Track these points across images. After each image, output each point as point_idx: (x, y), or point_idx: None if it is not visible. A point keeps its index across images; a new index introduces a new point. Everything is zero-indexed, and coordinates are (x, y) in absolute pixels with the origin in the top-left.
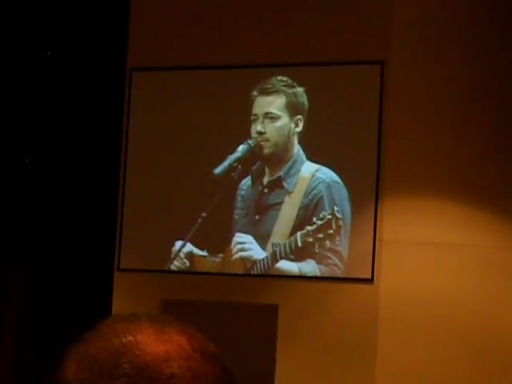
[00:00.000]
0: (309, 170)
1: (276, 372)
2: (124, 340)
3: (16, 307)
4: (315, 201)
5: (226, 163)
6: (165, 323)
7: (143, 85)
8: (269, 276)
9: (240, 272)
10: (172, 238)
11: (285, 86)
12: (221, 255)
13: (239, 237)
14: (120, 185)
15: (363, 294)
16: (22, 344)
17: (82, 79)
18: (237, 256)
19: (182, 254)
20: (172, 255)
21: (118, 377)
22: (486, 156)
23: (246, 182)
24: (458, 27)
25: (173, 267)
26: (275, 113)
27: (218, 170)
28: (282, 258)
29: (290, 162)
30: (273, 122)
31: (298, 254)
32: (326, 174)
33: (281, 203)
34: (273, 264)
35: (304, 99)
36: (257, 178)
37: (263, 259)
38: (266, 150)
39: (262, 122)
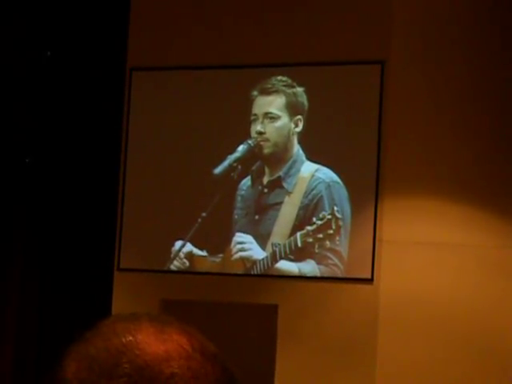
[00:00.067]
0: (308, 170)
1: (276, 372)
2: (124, 340)
3: (16, 307)
4: (315, 201)
5: (225, 163)
6: (165, 323)
7: (143, 84)
8: (268, 276)
9: (240, 272)
10: (172, 238)
11: (285, 85)
12: (221, 255)
13: (239, 237)
14: (120, 185)
15: (363, 294)
16: (21, 344)
17: (82, 79)
18: (237, 256)
19: (181, 254)
20: (172, 255)
21: (118, 376)
22: (486, 156)
23: (246, 182)
24: (458, 27)
25: (173, 267)
26: (275, 113)
27: (217, 170)
28: (281, 258)
29: (290, 162)
30: (273, 121)
31: (297, 254)
32: (326, 174)
33: (280, 203)
34: (272, 264)
35: (304, 99)
36: (257, 177)
37: (263, 259)
38: (266, 150)
39: (262, 122)
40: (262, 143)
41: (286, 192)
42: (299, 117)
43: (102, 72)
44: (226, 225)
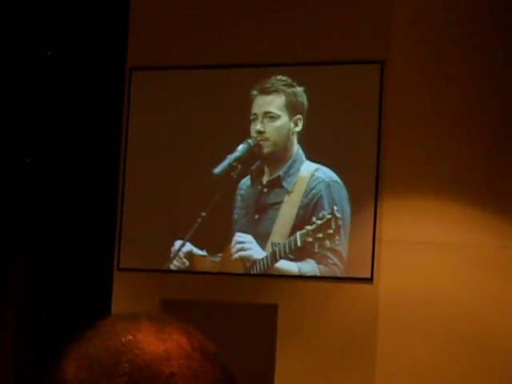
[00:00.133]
0: (308, 169)
1: (275, 371)
2: (124, 339)
3: (16, 307)
4: (315, 200)
5: (225, 163)
6: (165, 322)
7: (143, 84)
8: (268, 276)
9: (239, 272)
10: (171, 238)
11: (284, 85)
12: (220, 255)
13: (239, 236)
14: (120, 184)
15: (363, 293)
16: (21, 344)
17: (81, 79)
18: (236, 256)
19: (181, 254)
20: (171, 255)
21: (117, 376)
22: (487, 156)
23: (246, 181)
24: (458, 27)
25: (172, 267)
26: (275, 112)
27: (217, 170)
28: (281, 257)
29: (290, 162)
30: (272, 121)
31: (297, 254)
32: (326, 173)
33: (280, 203)
34: (272, 264)
35: (303, 99)
36: (256, 177)
37: (263, 259)
38: (266, 150)
39: (262, 122)
40: (261, 143)
41: (285, 191)
42: (299, 116)
43: (102, 72)
44: (226, 224)
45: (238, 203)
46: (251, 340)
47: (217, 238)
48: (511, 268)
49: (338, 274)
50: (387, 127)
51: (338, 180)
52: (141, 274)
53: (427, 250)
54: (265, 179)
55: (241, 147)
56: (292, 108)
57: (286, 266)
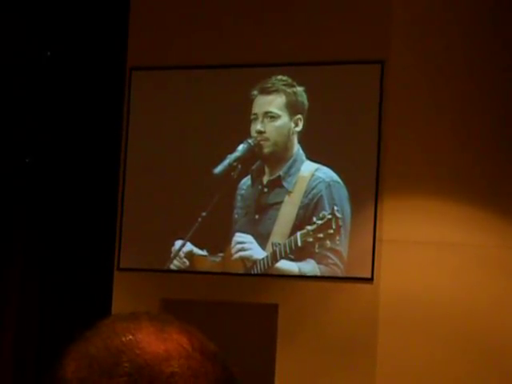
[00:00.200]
0: (308, 169)
1: (276, 371)
2: (124, 339)
3: (16, 307)
4: (315, 200)
5: (225, 162)
6: (165, 322)
7: (143, 84)
8: (269, 276)
9: (240, 272)
10: (172, 238)
11: (285, 85)
12: (221, 255)
13: (239, 236)
14: (120, 184)
15: (363, 293)
16: (22, 344)
17: (82, 79)
18: (237, 256)
19: (181, 254)
20: (172, 255)
21: (118, 375)
22: (487, 155)
23: (246, 181)
24: (458, 27)
25: (173, 267)
26: (275, 112)
27: (217, 170)
28: (281, 257)
29: (290, 162)
30: (273, 121)
31: (297, 254)
32: (326, 173)
33: (280, 203)
34: (273, 264)
35: (304, 98)
36: (256, 177)
37: (263, 259)
38: (266, 150)
39: (262, 122)
40: (261, 142)
41: (286, 191)
42: (299, 116)
43: (102, 72)
44: (226, 224)
45: (239, 203)
46: (251, 340)
47: (217, 238)
48: (511, 268)
49: (339, 273)
50: (387, 127)
51: (339, 180)
52: (141, 274)
53: (427, 249)
54: (265, 179)
55: (241, 147)
56: (292, 108)
57: (286, 265)
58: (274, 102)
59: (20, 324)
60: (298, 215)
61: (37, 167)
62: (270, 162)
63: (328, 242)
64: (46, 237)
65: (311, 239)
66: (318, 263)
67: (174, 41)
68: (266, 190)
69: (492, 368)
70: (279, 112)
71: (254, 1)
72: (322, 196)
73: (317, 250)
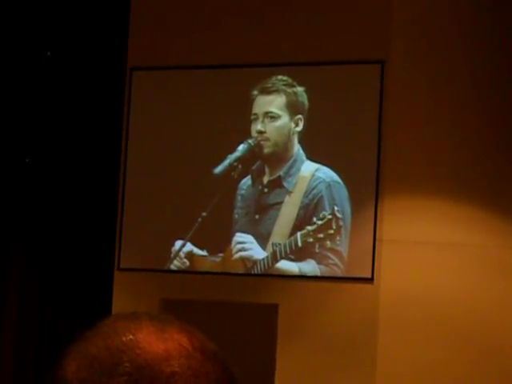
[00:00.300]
0: (309, 169)
1: (276, 371)
2: (124, 339)
3: (16, 307)
4: (315, 200)
5: (226, 162)
6: (165, 322)
7: (143, 84)
8: (269, 276)
9: (240, 272)
10: (172, 238)
11: (285, 85)
12: (221, 255)
13: (239, 236)
14: (120, 184)
15: (363, 293)
16: (22, 344)
17: (82, 79)
18: (237, 256)
19: (181, 254)
20: (172, 255)
21: (118, 375)
22: (487, 155)
23: (246, 181)
24: (458, 27)
25: (173, 267)
26: (275, 112)
27: (218, 170)
28: (282, 257)
29: (290, 162)
30: (273, 121)
31: (298, 254)
32: (326, 173)
33: (281, 203)
34: (273, 264)
35: (304, 99)
36: (257, 177)
37: (263, 259)
38: (266, 150)
39: (262, 122)
40: (262, 143)
41: (286, 191)
42: (299, 116)
43: (102, 72)
44: (227, 224)
45: (239, 203)
46: (252, 340)
47: (217, 238)
48: (511, 268)
49: (339, 274)
50: (387, 127)
51: (339, 180)
52: (141, 274)
53: (427, 249)
54: (265, 179)
55: (241, 147)
56: (292, 108)
57: (286, 266)
58: (274, 102)
59: (20, 324)
60: (298, 215)
61: (37, 167)
62: (270, 162)
63: (328, 242)
64: (46, 237)
65: (311, 239)
66: (319, 263)
67: (174, 41)
68: (266, 190)
69: (492, 368)
70: (279, 112)
71: (254, 1)
72: (322, 196)
73: (317, 250)
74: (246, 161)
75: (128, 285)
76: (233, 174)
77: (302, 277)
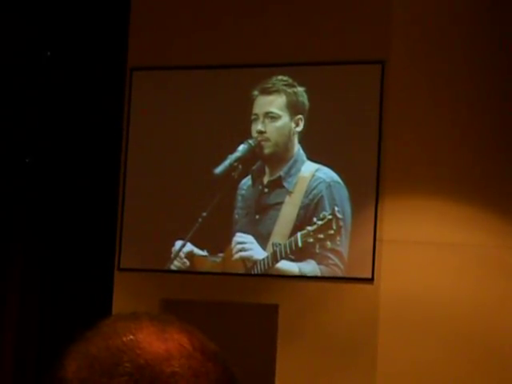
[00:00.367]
0: (309, 169)
1: (276, 372)
2: (125, 339)
3: (16, 307)
4: (316, 201)
5: (226, 163)
6: (166, 322)
7: (143, 84)
8: (269, 276)
9: (240, 272)
10: (172, 238)
11: (285, 85)
12: (221, 255)
13: (239, 237)
14: (120, 184)
15: (363, 293)
16: (22, 344)
17: (82, 79)
18: (237, 256)
19: (182, 254)
20: (172, 255)
21: (119, 375)
22: (487, 156)
23: (247, 181)
24: (458, 27)
25: (173, 267)
26: (276, 112)
27: (218, 170)
28: (282, 258)
29: (291, 162)
30: (273, 121)
31: (298, 255)
32: (327, 173)
33: (281, 203)
34: (273, 264)
35: (304, 99)
36: (257, 177)
37: (263, 259)
38: (267, 150)
39: (263, 122)
40: (262, 143)
41: (286, 192)
42: (300, 116)
43: (103, 72)
44: (227, 224)
45: (239, 203)
46: (252, 340)
47: (217, 238)
48: (511, 268)
49: (339, 274)
50: (388, 127)
51: (339, 180)
52: (141, 275)
53: (428, 249)
54: (266, 179)
55: (242, 147)
56: (293, 108)
57: (286, 266)
58: (274, 103)
59: (20, 324)
60: (298, 215)
61: (37, 167)
62: (270, 162)
63: (328, 243)
64: (46, 237)
65: (312, 239)
66: (319, 264)
67: (175, 41)
68: (266, 190)
69: (492, 368)
70: (280, 112)
71: (254, 1)
72: (322, 196)
73: (317, 251)
74: (247, 161)
75: (128, 285)
76: (233, 174)
77: (302, 277)
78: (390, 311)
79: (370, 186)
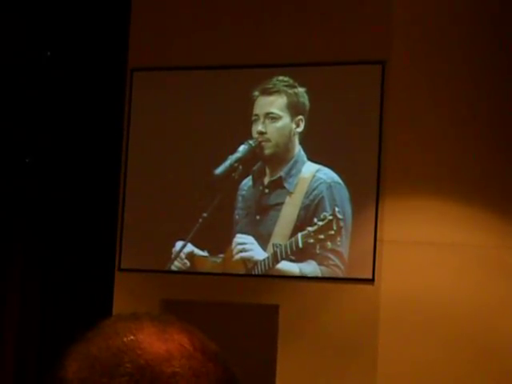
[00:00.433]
0: (310, 170)
1: (277, 372)
2: (125, 339)
3: (16, 307)
4: (316, 201)
5: (226, 163)
6: (166, 322)
7: (144, 85)
8: (270, 276)
9: (241, 272)
10: (173, 239)
11: (286, 86)
12: (221, 255)
13: (240, 237)
14: (121, 185)
15: (364, 294)
16: (22, 344)
17: (82, 79)
18: (237, 256)
19: (182, 255)
20: (173, 255)
21: (119, 376)
22: (487, 156)
23: (247, 182)
24: (458, 27)
25: (173, 267)
26: (276, 113)
27: (218, 171)
28: (282, 258)
29: (291, 163)
30: (274, 122)
31: (298, 255)
32: (327, 174)
33: (282, 204)
34: (274, 265)
35: (305, 99)
36: (257, 178)
37: (264, 260)
38: (267, 151)
39: (263, 122)
40: (263, 143)
41: (287, 192)
42: (300, 117)
43: (103, 72)
44: (227, 225)
45: (239, 204)
46: (252, 341)
47: (218, 239)
48: (511, 268)
49: (340, 274)
50: (388, 128)
51: (340, 181)
52: (142, 275)
53: (428, 250)
54: (266, 180)
55: (242, 148)
56: (293, 109)
57: (287, 266)
58: (275, 103)
59: (21, 324)
60: (298, 216)
61: (37, 167)
62: (271, 162)
63: (329, 243)
64: (46, 237)
65: (312, 240)
66: (319, 264)
67: (175, 41)
68: (266, 190)
69: (492, 368)
70: (280, 113)
71: (254, 1)
72: (323, 197)
73: (318, 251)
74: (247, 161)
75: (129, 285)
76: (233, 174)
77: (303, 278)
78: (391, 312)
79: (371, 187)
